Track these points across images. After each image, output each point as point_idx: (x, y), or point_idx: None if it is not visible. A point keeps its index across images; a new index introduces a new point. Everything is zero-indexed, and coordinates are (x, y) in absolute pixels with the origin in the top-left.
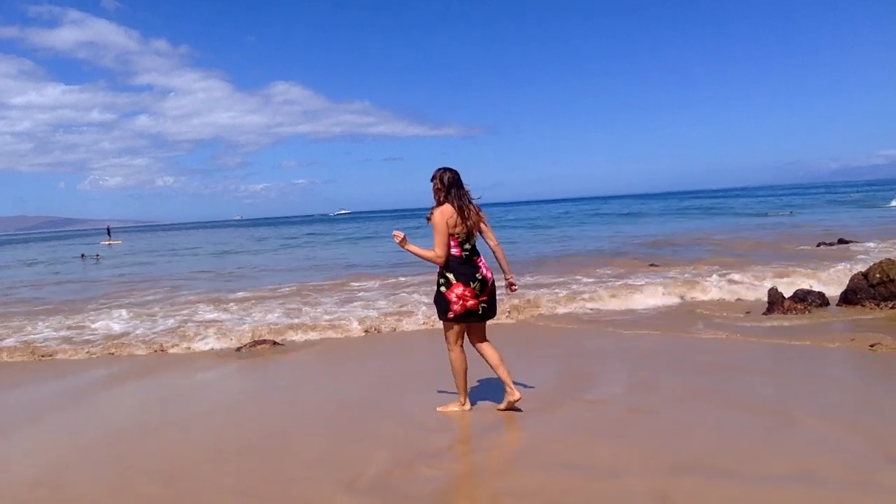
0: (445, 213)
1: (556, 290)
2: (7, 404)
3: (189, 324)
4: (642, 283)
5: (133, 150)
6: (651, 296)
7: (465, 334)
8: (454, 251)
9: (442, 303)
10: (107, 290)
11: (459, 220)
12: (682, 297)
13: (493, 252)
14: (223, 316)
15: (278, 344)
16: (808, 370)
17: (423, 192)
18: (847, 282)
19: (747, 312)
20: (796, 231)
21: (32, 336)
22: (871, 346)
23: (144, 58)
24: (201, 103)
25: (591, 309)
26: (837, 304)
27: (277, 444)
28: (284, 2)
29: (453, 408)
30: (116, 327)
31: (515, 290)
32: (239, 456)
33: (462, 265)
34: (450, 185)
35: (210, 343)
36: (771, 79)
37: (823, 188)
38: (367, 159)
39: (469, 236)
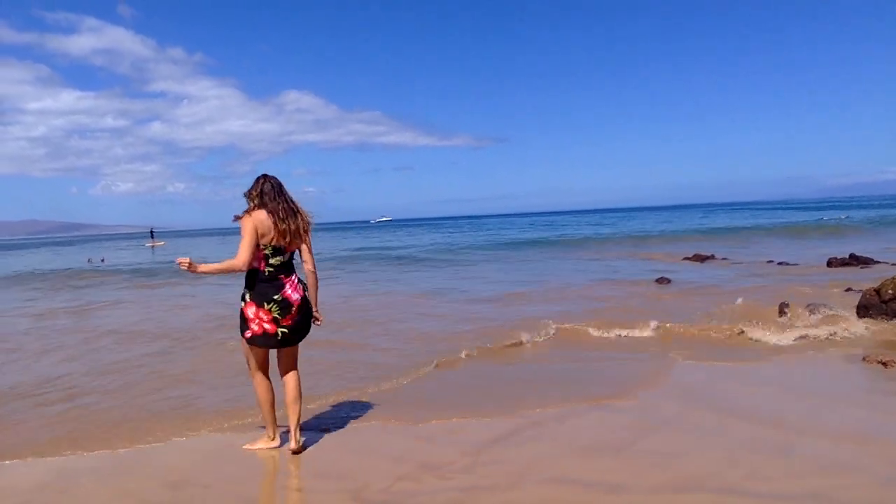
0: (255, 217)
1: None
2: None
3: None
4: None
5: (145, 156)
6: None
7: (279, 359)
8: (257, 264)
9: (241, 320)
10: None
11: (271, 229)
12: None
13: (307, 278)
14: None
15: None
16: (818, 387)
17: (435, 202)
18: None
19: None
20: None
21: None
22: (884, 362)
23: (160, 65)
24: (214, 111)
25: None
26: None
27: (282, 454)
28: (298, 11)
29: (260, 444)
30: None
31: (319, 325)
32: (249, 464)
33: (262, 283)
34: (262, 193)
35: None
36: (775, 92)
37: (835, 203)
38: (377, 169)
39: (278, 251)
